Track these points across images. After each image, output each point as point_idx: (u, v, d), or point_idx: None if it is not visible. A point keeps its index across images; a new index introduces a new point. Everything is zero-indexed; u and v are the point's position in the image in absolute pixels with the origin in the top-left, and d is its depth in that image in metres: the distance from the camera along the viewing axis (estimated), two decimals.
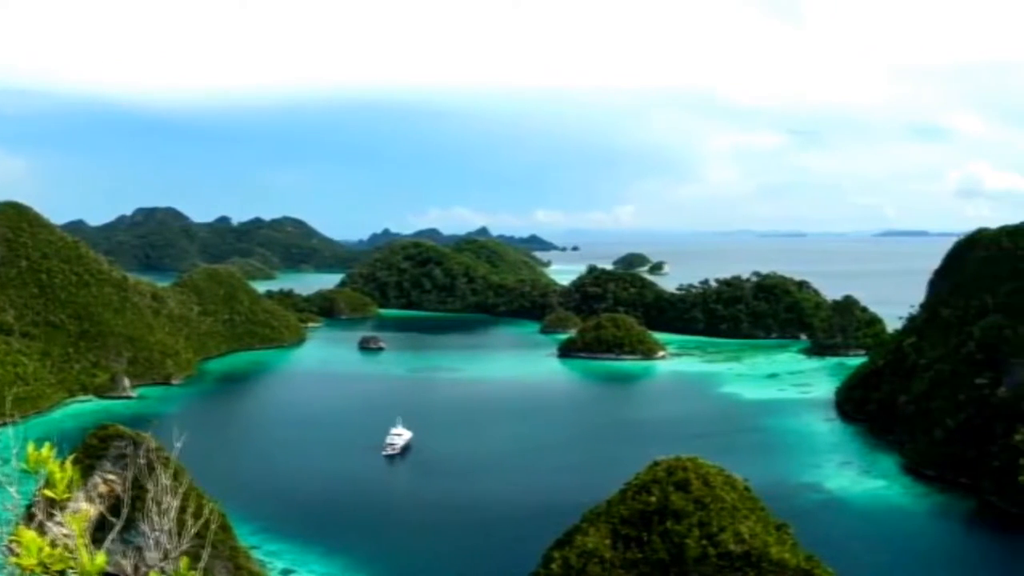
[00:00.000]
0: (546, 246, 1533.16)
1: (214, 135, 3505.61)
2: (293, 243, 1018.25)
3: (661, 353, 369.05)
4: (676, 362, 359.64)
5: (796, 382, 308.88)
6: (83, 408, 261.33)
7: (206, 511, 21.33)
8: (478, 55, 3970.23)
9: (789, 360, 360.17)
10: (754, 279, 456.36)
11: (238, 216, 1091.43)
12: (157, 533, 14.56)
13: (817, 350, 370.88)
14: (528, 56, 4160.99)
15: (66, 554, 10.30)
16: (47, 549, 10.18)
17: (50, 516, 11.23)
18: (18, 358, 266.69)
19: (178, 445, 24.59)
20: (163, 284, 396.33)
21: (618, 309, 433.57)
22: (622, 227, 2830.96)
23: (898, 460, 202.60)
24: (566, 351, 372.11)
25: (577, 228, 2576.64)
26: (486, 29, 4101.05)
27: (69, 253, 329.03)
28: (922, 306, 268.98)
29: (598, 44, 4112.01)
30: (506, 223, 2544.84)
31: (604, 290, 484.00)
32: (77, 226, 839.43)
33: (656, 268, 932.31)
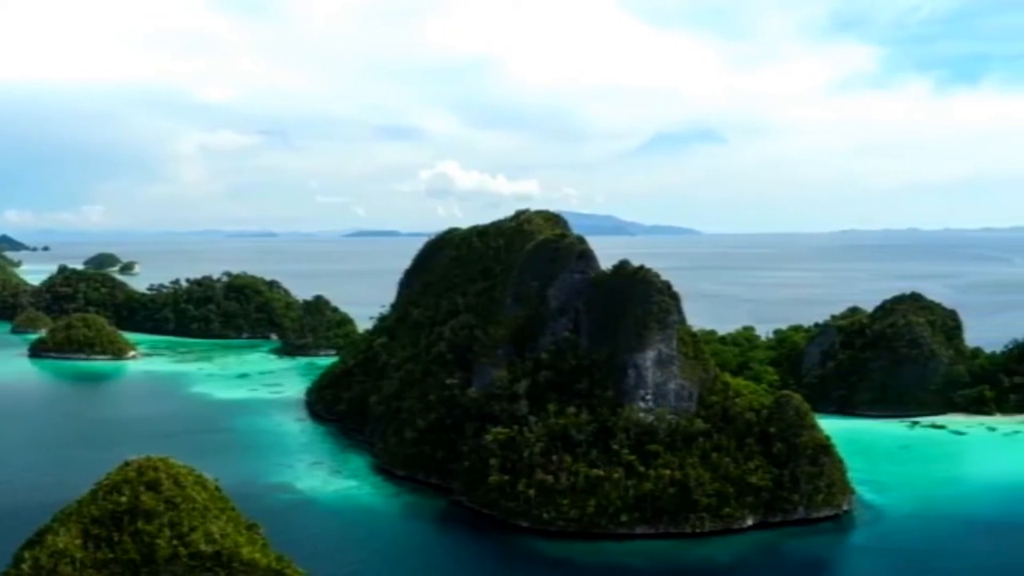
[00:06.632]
0: (17, 246, 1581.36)
1: None
2: None
3: (132, 353, 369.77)
4: (147, 362, 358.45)
5: (267, 382, 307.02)
6: None
7: None
8: None
9: (260, 360, 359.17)
10: (225, 279, 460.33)
11: None
12: None
13: (288, 350, 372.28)
14: None
15: None
16: None
17: None
18: None
19: None
20: None
21: (89, 309, 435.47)
22: (93, 227, 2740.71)
23: (369, 460, 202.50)
24: (37, 351, 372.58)
25: (48, 228, 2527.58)
26: None
27: None
28: (393, 306, 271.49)
29: (67, 38, 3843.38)
30: None
31: (75, 290, 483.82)
32: None
33: (127, 268, 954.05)
